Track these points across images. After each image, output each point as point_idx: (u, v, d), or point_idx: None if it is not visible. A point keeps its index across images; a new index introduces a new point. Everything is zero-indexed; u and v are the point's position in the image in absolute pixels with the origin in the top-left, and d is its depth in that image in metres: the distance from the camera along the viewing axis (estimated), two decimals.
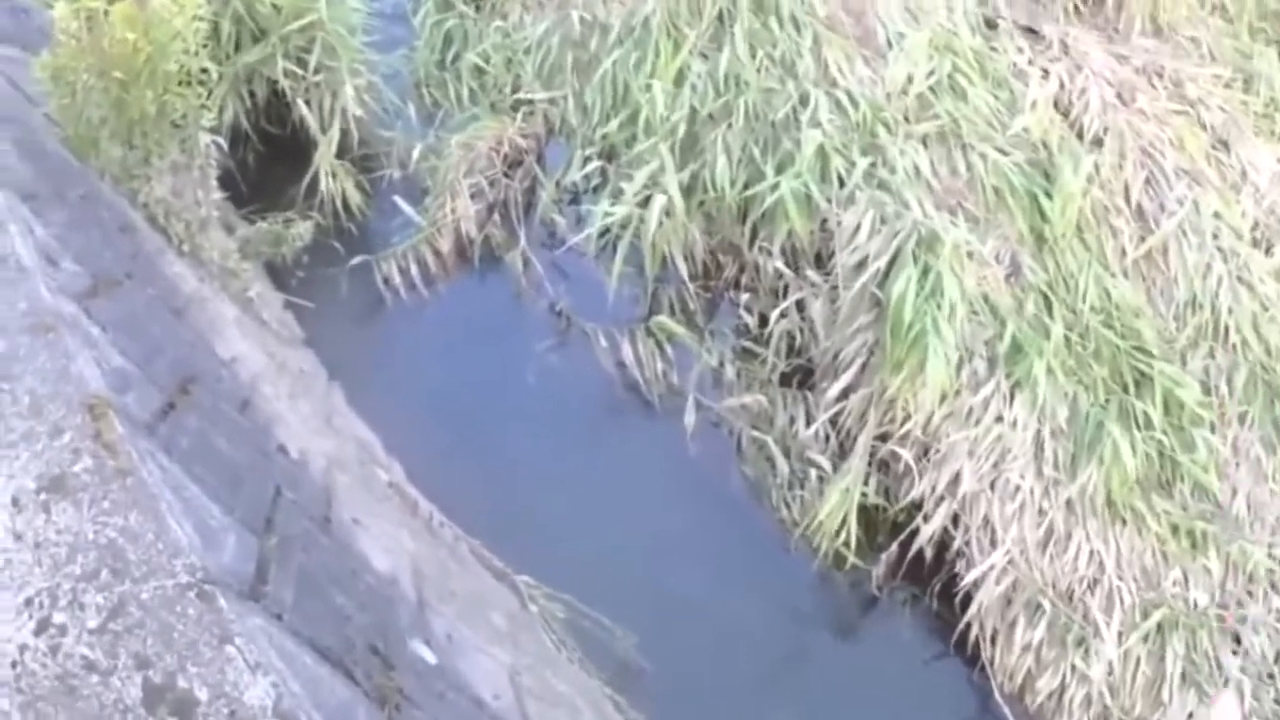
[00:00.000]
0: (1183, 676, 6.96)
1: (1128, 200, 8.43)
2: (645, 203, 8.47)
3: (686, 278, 8.56)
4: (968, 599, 7.16)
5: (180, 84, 6.27)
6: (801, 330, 8.11)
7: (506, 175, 9.32)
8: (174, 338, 4.83)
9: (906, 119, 8.53)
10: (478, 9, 10.59)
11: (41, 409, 3.11)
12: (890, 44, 8.96)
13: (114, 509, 2.89)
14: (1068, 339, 7.69)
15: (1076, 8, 10.06)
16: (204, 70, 6.34)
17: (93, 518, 2.86)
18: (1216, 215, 8.41)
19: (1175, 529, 7.32)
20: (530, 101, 9.76)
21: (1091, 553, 7.18)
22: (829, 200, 8.07)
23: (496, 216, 9.20)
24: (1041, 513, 7.26)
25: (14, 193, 4.25)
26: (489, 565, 6.72)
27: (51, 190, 4.85)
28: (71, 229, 4.58)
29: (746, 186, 8.41)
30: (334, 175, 8.88)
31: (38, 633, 2.62)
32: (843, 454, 7.65)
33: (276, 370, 6.27)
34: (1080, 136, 8.71)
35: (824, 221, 8.14)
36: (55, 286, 3.75)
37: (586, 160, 9.27)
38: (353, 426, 7.12)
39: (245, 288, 7.25)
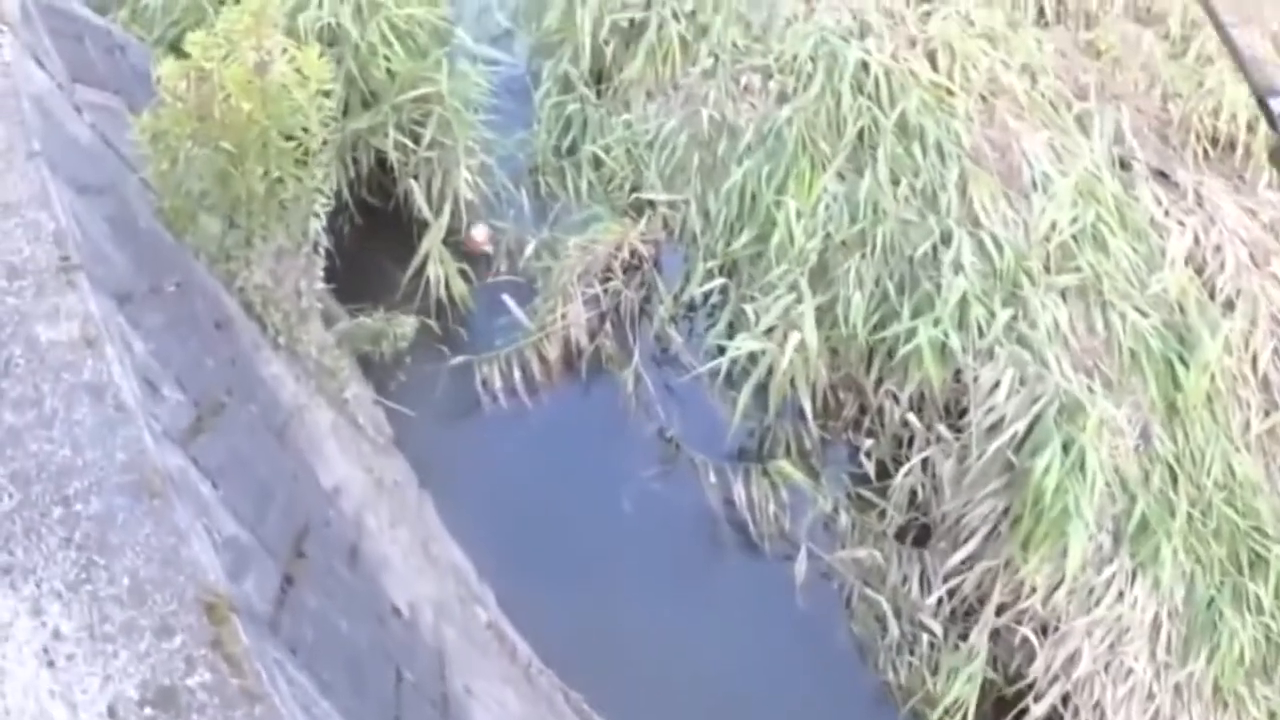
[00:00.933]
0: None
1: (1255, 370, 8.10)
2: (769, 333, 8.05)
3: (808, 414, 8.10)
4: None
5: (294, 163, 5.73)
6: (924, 485, 7.70)
7: (623, 283, 8.87)
8: (281, 473, 4.43)
9: (1048, 269, 8.17)
10: (599, 94, 10.17)
11: (146, 598, 2.61)
12: (1035, 184, 8.57)
13: None
14: (1190, 516, 7.35)
15: (1206, 153, 9.68)
16: (320, 149, 5.79)
17: None
18: None
19: (1274, 716, 7.06)
20: (651, 203, 9.34)
21: None
22: (966, 351, 7.71)
23: (609, 326, 8.74)
24: (1150, 696, 6.96)
25: (110, 296, 3.74)
26: (588, 718, 6.44)
27: (148, 284, 4.42)
28: (169, 334, 4.15)
29: (879, 325, 8.04)
30: (440, 262, 8.44)
31: None
32: (954, 618, 7.31)
33: (376, 492, 5.91)
34: (1212, 297, 8.37)
35: (958, 372, 7.78)
36: (159, 429, 3.26)
37: (708, 275, 8.85)
38: (448, 551, 6.78)
39: (342, 388, 6.85)
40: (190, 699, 2.44)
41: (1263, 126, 9.32)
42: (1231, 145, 9.75)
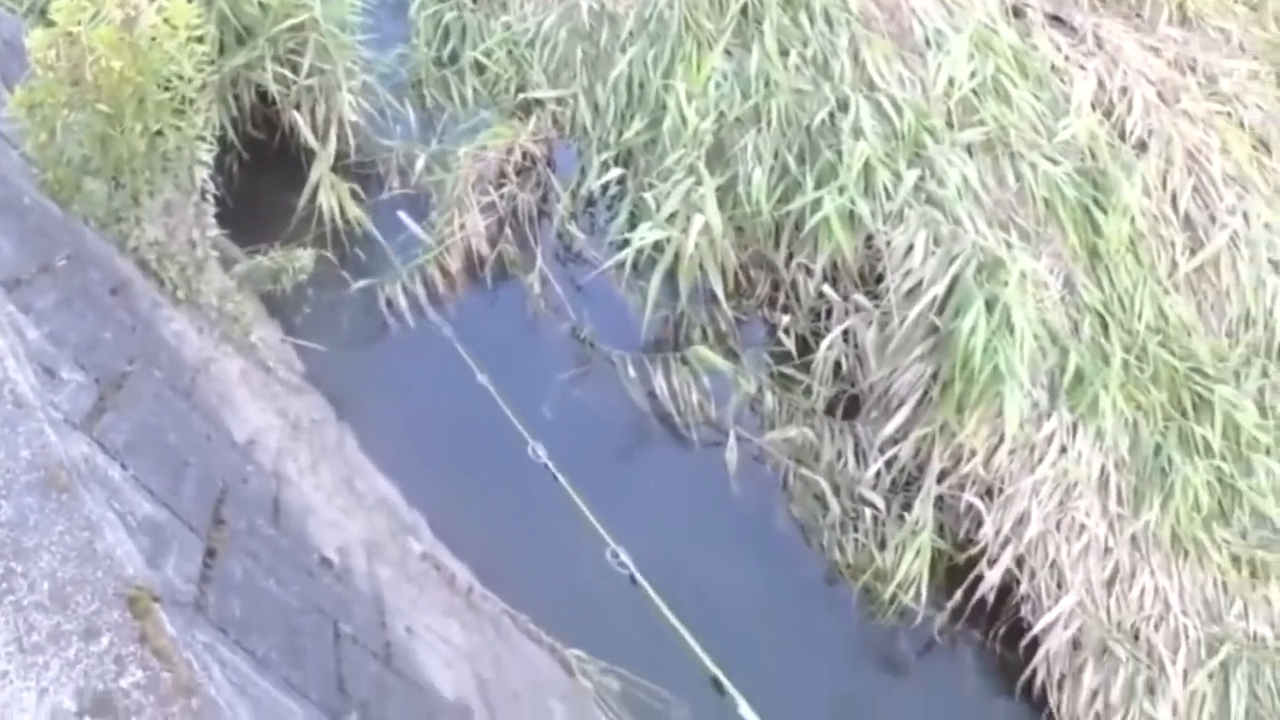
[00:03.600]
0: (1247, 713, 6.54)
1: (1175, 209, 7.87)
2: (671, 219, 7.72)
3: (720, 297, 7.81)
4: (1034, 642, 6.63)
5: (173, 113, 5.45)
6: (847, 357, 7.43)
7: (518, 185, 8.51)
8: (192, 435, 4.17)
9: (951, 125, 7.86)
10: (475, 0, 9.69)
11: (68, 600, 2.42)
12: (929, 41, 8.23)
13: None
14: (1125, 363, 7.14)
15: None
16: (201, 90, 5.50)
17: None
18: (1267, 226, 7.87)
19: (1236, 559, 6.91)
20: (539, 102, 8.98)
21: (1156, 588, 6.74)
22: (875, 216, 7.42)
23: (508, 231, 8.38)
24: (1107, 550, 6.78)
25: None
26: (537, 639, 6.11)
27: (37, 263, 4.19)
28: (63, 312, 3.95)
29: (783, 199, 7.73)
30: (331, 188, 8.05)
31: None
32: (895, 489, 7.06)
33: (293, 435, 5.63)
34: (1123, 139, 8.12)
35: (869, 238, 7.49)
36: (60, 418, 3.07)
37: (604, 167, 8.49)
38: (374, 485, 6.41)
39: (247, 331, 6.53)
40: (126, 701, 2.31)
41: None
42: None
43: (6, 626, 2.34)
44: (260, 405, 5.53)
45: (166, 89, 5.29)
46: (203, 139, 5.71)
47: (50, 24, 5.01)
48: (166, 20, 5.12)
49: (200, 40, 5.39)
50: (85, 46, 4.96)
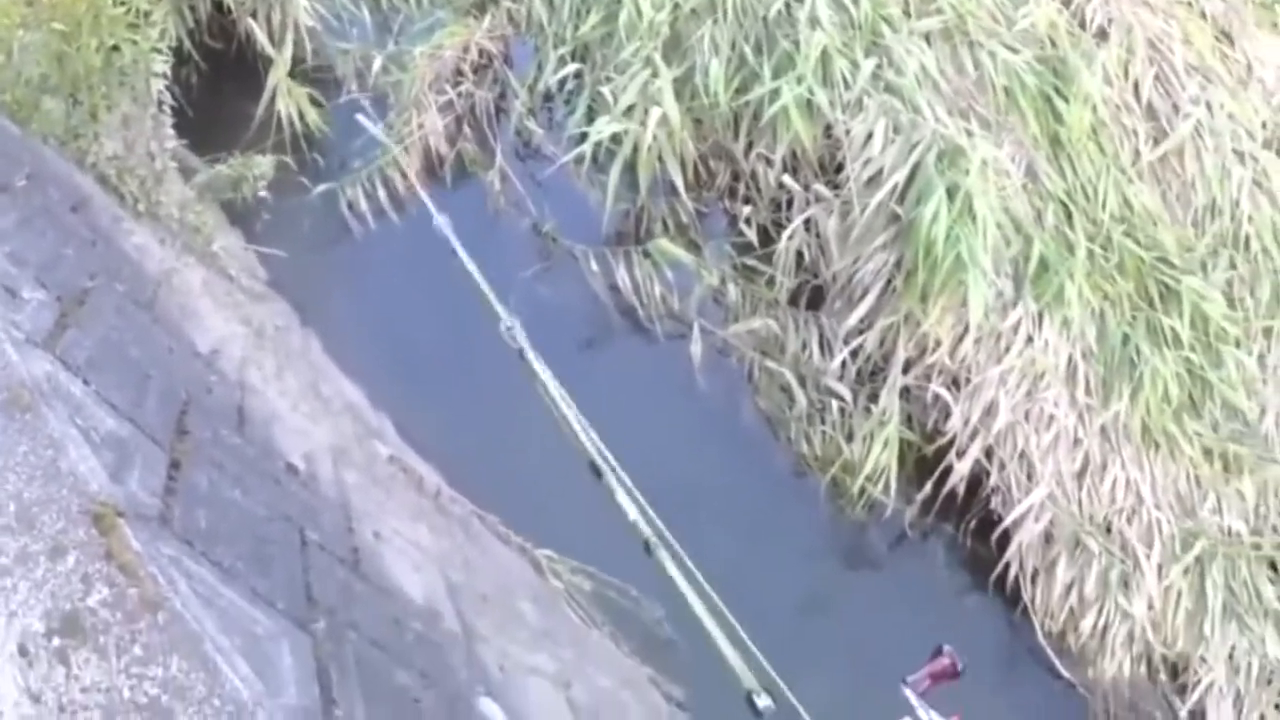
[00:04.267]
0: (1224, 608, 6.51)
1: (1138, 98, 7.81)
2: (629, 112, 7.66)
3: (680, 188, 7.75)
4: (1005, 536, 6.64)
5: (127, 27, 5.66)
6: (809, 247, 7.38)
7: (475, 83, 8.43)
8: (154, 348, 4.20)
9: (908, 14, 7.78)
10: None
11: (33, 521, 2.36)
12: None
13: (148, 655, 2.25)
14: (1090, 252, 7.12)
15: None
16: (156, 2, 5.89)
17: (125, 668, 2.20)
18: (1230, 116, 7.82)
19: (1208, 452, 6.90)
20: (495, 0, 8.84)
21: (1128, 481, 6.75)
22: (834, 105, 7.35)
23: (467, 129, 8.31)
24: (1077, 442, 6.79)
25: None
26: (506, 540, 6.12)
27: None
28: (25, 232, 3.97)
29: (740, 90, 7.67)
30: (289, 94, 7.95)
31: None
32: (861, 380, 7.05)
33: (256, 343, 5.63)
34: (1083, 28, 8.03)
35: (828, 128, 7.44)
36: (22, 337, 3.11)
37: (560, 63, 8.45)
38: (340, 388, 6.43)
39: (209, 241, 6.53)
40: (94, 619, 2.27)
41: None
42: None
43: None
44: (223, 315, 5.52)
45: (121, 3, 5.46)
46: (158, 51, 5.91)
47: None
48: None
49: None
50: None
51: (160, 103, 6.03)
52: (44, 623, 2.18)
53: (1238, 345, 7.14)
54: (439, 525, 5.54)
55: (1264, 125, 7.96)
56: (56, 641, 2.16)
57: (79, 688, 2.13)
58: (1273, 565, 6.71)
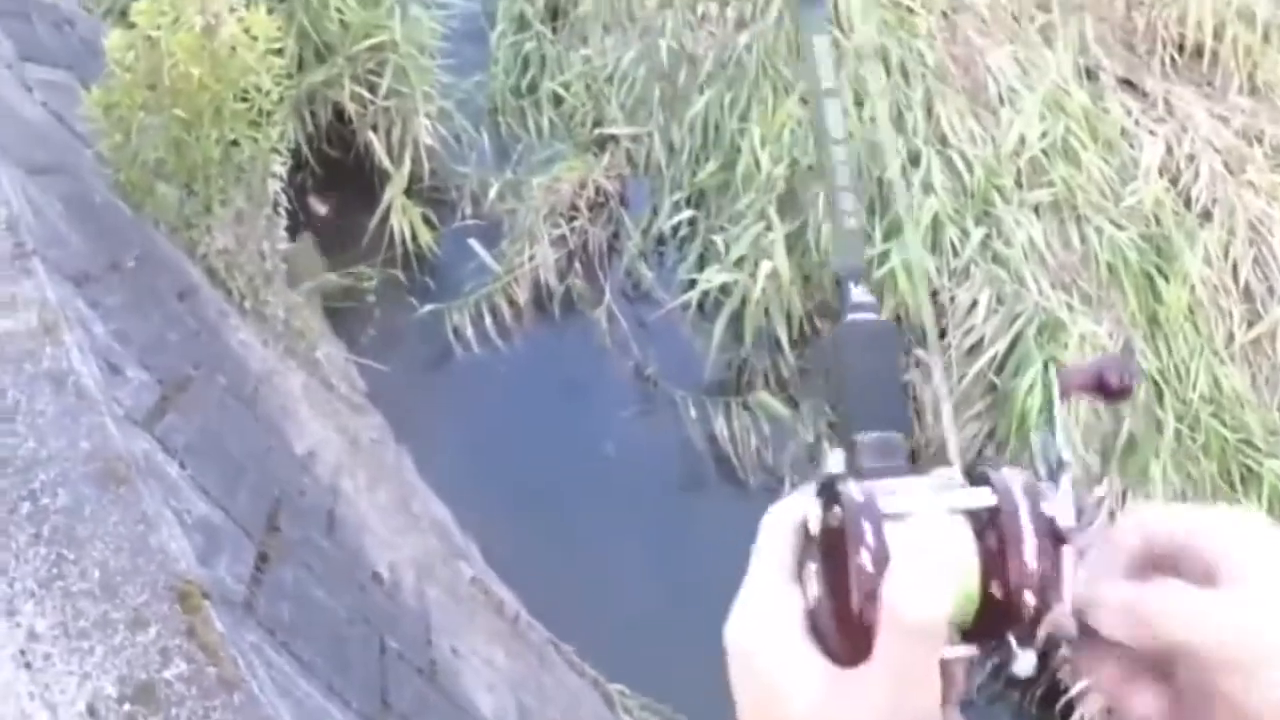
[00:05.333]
0: None
1: (1235, 280, 8.01)
2: (739, 263, 8.00)
3: (784, 343, 8.07)
4: (1069, 708, 6.78)
5: (249, 124, 5.73)
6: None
7: (590, 220, 8.82)
8: (252, 444, 4.41)
9: (1020, 185, 8.10)
10: (555, 31, 10.09)
11: (117, 590, 2.62)
12: (1002, 99, 8.49)
13: None
14: (1178, 432, 7.26)
15: (1174, 59, 9.58)
16: (274, 109, 5.79)
17: None
18: None
19: None
20: (614, 138, 9.26)
21: None
22: (940, 273, 7.68)
23: (578, 265, 8.68)
24: None
25: (67, 279, 3.79)
26: (580, 672, 6.33)
27: (107, 261, 4.45)
28: (131, 313, 4.16)
29: None
30: (404, 211, 8.37)
31: None
32: None
33: (352, 453, 5.86)
34: (1188, 206, 8.30)
35: (934, 294, 7.71)
36: (122, 414, 3.28)
37: (675, 207, 8.79)
38: (429, 506, 6.69)
39: (312, 348, 6.82)
40: (168, 691, 2.45)
41: (1230, 33, 9.27)
42: (1199, 51, 9.62)
43: (55, 611, 2.54)
44: (321, 421, 5.74)
45: (244, 99, 5.55)
46: (277, 152, 6.03)
47: (130, 26, 5.28)
48: (247, 31, 5.41)
49: (279, 53, 5.68)
50: (164, 51, 5.23)
51: (275, 204, 6.25)
52: (117, 688, 2.41)
53: None
54: (515, 650, 5.73)
55: None
56: (128, 707, 2.39)
57: None
58: None
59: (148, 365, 3.83)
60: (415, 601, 4.81)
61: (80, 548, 2.68)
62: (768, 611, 1.00)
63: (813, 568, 1.00)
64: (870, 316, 1.14)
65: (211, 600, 2.76)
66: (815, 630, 0.97)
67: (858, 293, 1.16)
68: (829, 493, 1.00)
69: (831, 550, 0.97)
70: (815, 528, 1.00)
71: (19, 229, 3.68)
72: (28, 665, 2.40)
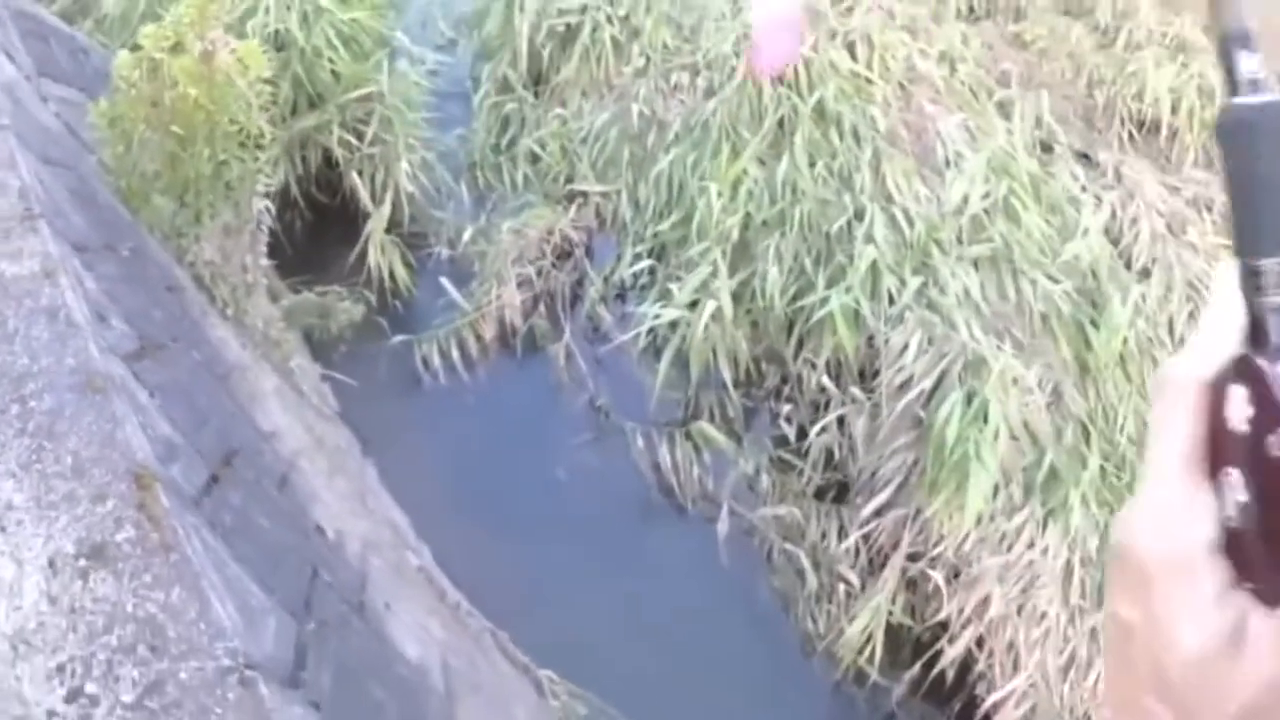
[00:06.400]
0: None
1: (1171, 333, 8.54)
2: (693, 306, 8.59)
3: (729, 384, 8.66)
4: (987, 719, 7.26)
5: (239, 145, 6.33)
6: (841, 445, 8.20)
7: (555, 266, 9.51)
8: (218, 407, 4.92)
9: (960, 240, 8.66)
10: (536, 95, 10.88)
11: (85, 472, 3.16)
12: (949, 162, 9.11)
13: (155, 583, 2.93)
14: (1103, 469, 7.73)
15: (1132, 135, 10.29)
16: (262, 133, 6.39)
17: (132, 590, 2.91)
18: None
19: None
20: (584, 193, 9.97)
21: None
22: (878, 318, 8.20)
23: (542, 307, 9.37)
24: (1065, 639, 7.33)
25: (67, 242, 4.33)
26: (513, 658, 6.80)
27: (102, 242, 4.97)
28: (121, 285, 4.68)
29: (796, 297, 8.56)
30: (382, 250, 9.12)
31: (69, 700, 2.67)
32: (872, 570, 7.75)
33: (315, 446, 6.33)
34: (1129, 266, 8.89)
35: (871, 338, 8.27)
36: (105, 345, 3.82)
37: (636, 258, 9.45)
38: (385, 507, 7.23)
39: (286, 358, 7.40)
40: (117, 551, 2.95)
41: (1185, 106, 9.95)
42: (1157, 127, 10.37)
43: (30, 487, 3.10)
44: (289, 416, 6.27)
45: (234, 123, 6.20)
46: (263, 173, 6.65)
47: (137, 48, 5.95)
48: (240, 60, 6.08)
49: (267, 83, 6.35)
50: (166, 73, 5.90)
51: (259, 222, 6.78)
52: (75, 548, 2.93)
53: None
54: (450, 625, 6.09)
55: None
56: (82, 563, 2.90)
57: (91, 598, 2.84)
58: None
59: (131, 323, 4.33)
60: (356, 561, 5.19)
61: (58, 440, 3.23)
62: (1172, 517, 0.86)
63: (1234, 474, 0.83)
64: (1271, 98, 0.89)
65: (161, 483, 3.23)
66: (1234, 553, 0.83)
67: (1250, 64, 0.92)
68: (1250, 375, 0.83)
69: (1263, 456, 0.80)
70: (1239, 421, 0.83)
71: (29, 198, 4.21)
72: (2, 529, 2.98)
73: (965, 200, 8.82)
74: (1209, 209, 9.60)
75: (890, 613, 7.54)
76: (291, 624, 3.57)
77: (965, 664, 7.46)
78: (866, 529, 7.77)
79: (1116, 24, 11.40)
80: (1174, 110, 10.33)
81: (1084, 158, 9.90)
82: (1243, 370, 0.82)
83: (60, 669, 2.70)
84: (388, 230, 9.25)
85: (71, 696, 2.67)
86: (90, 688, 2.68)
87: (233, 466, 4.29)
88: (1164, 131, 10.33)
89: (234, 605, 3.14)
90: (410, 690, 4.57)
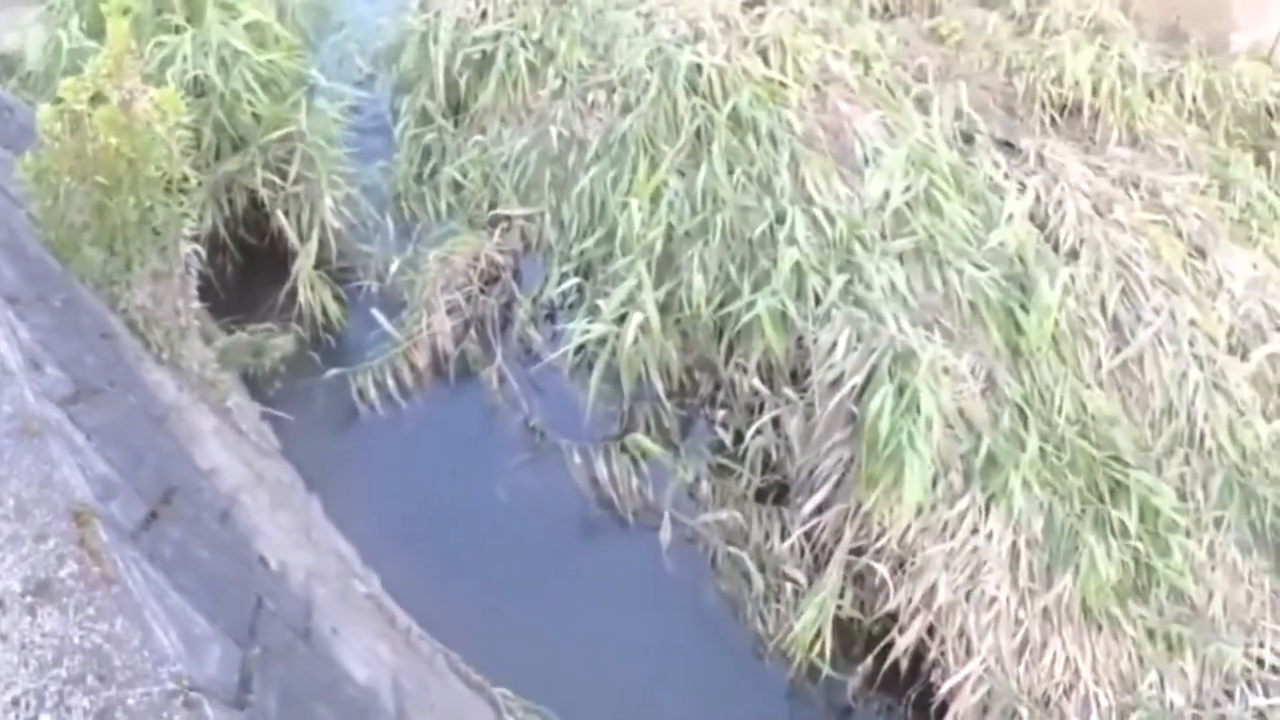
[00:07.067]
0: None
1: (1104, 311, 8.74)
2: (622, 320, 8.77)
3: (663, 395, 8.84)
4: (943, 708, 7.42)
5: (162, 191, 6.44)
6: (777, 447, 8.37)
7: (483, 291, 9.68)
8: (155, 446, 5.00)
9: (883, 235, 8.84)
10: (456, 124, 11.07)
11: (27, 513, 3.25)
12: (868, 160, 9.32)
13: (99, 615, 3.02)
14: (1043, 450, 7.89)
15: (1054, 120, 10.55)
16: (185, 178, 6.51)
17: (78, 623, 2.98)
18: (1192, 323, 8.70)
19: (1151, 633, 7.54)
20: (508, 218, 10.15)
21: (1068, 659, 7.40)
22: (805, 318, 8.38)
23: (473, 332, 9.51)
24: (1018, 622, 7.47)
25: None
26: (466, 678, 6.91)
27: (34, 293, 5.06)
28: (54, 334, 4.78)
29: (723, 304, 8.75)
30: (312, 287, 9.28)
31: None
32: (818, 568, 7.89)
33: (255, 481, 6.42)
34: (1056, 249, 9.06)
35: (800, 338, 8.43)
36: (40, 391, 3.93)
37: (563, 277, 9.63)
38: (331, 539, 7.33)
39: (223, 398, 7.49)
40: (61, 586, 3.04)
41: (1106, 87, 10.18)
42: (1078, 110, 10.63)
43: None
44: (228, 454, 6.33)
45: (158, 169, 6.32)
46: (188, 216, 6.73)
47: (59, 101, 6.06)
48: (158, 107, 6.20)
49: (186, 127, 6.44)
50: (87, 124, 6.03)
51: (187, 265, 6.87)
52: (21, 585, 2.99)
53: (1188, 535, 7.78)
54: (401, 649, 6.17)
55: (1230, 331, 8.80)
56: (29, 599, 2.97)
57: (40, 633, 2.89)
58: None
59: (66, 369, 4.44)
60: (301, 591, 5.21)
61: None
62: None
63: None
64: None
65: (100, 520, 3.31)
66: None
67: None
68: None
69: None
70: None
71: None
72: None
73: (886, 195, 9.04)
74: (1135, 186, 9.83)
75: (839, 607, 7.69)
76: (236, 650, 3.66)
77: (918, 653, 7.62)
78: (808, 527, 7.94)
79: (1032, 11, 11.68)
80: (1094, 92, 10.55)
81: (1006, 145, 10.10)
82: None
83: (15, 703, 2.78)
84: (316, 266, 9.41)
85: None
86: (44, 718, 2.77)
87: (171, 504, 4.38)
88: (1086, 113, 10.55)
89: (176, 633, 3.24)
90: (360, 711, 4.57)
